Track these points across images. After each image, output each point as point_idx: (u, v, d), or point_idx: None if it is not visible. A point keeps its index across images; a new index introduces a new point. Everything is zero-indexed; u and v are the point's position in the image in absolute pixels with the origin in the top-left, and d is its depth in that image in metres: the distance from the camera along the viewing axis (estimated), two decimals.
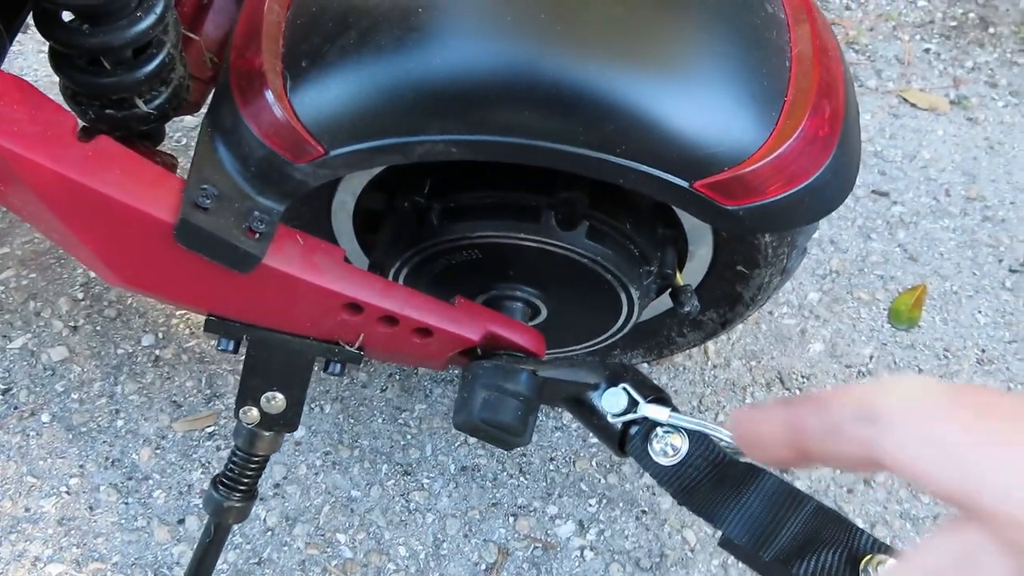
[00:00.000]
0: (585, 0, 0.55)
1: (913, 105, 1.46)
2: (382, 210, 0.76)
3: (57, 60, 0.60)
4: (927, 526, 0.97)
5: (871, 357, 1.11)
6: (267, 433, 0.71)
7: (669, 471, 0.65)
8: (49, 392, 0.97)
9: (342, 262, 0.64)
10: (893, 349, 1.12)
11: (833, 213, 1.18)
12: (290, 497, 0.92)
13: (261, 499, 0.92)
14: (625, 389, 0.67)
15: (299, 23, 0.59)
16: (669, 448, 0.65)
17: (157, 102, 0.64)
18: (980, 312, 1.17)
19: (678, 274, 0.78)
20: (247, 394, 0.69)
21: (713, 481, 0.64)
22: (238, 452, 0.72)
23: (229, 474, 0.73)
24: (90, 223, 0.60)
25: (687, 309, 0.76)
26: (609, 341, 0.83)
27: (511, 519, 0.93)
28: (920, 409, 0.24)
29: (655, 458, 0.65)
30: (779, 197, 0.58)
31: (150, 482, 0.92)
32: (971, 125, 1.44)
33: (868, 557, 0.57)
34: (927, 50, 1.56)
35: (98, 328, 1.02)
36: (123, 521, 0.90)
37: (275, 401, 0.70)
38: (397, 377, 1.01)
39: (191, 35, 0.75)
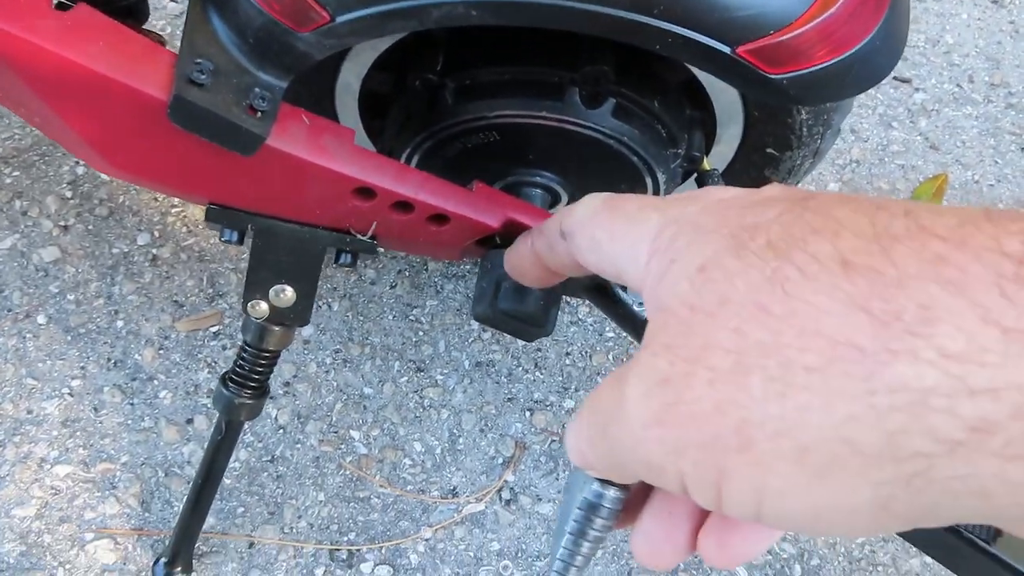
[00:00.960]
0: None
1: None
2: (390, 92, 0.71)
3: None
4: None
5: None
6: (277, 328, 0.68)
7: None
8: (43, 293, 0.93)
9: (352, 144, 0.60)
10: None
11: (854, 101, 1.13)
12: (301, 395, 0.91)
13: (271, 398, 0.90)
14: None
15: None
16: None
17: None
18: (1001, 202, 1.14)
19: (705, 158, 0.74)
20: (255, 287, 0.66)
21: None
22: (248, 348, 0.70)
23: (239, 370, 0.70)
24: (74, 102, 0.55)
25: None
26: None
27: (527, 414, 0.91)
28: (587, 221, 0.31)
29: None
30: (826, 64, 0.53)
31: (155, 383, 0.90)
32: (996, 8, 1.37)
33: None
34: None
35: (90, 227, 0.98)
36: (130, 422, 0.88)
37: (284, 294, 0.66)
38: (407, 273, 0.98)
39: None
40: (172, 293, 0.95)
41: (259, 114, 0.56)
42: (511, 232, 0.66)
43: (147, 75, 0.53)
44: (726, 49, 0.51)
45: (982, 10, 1.37)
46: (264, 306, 0.67)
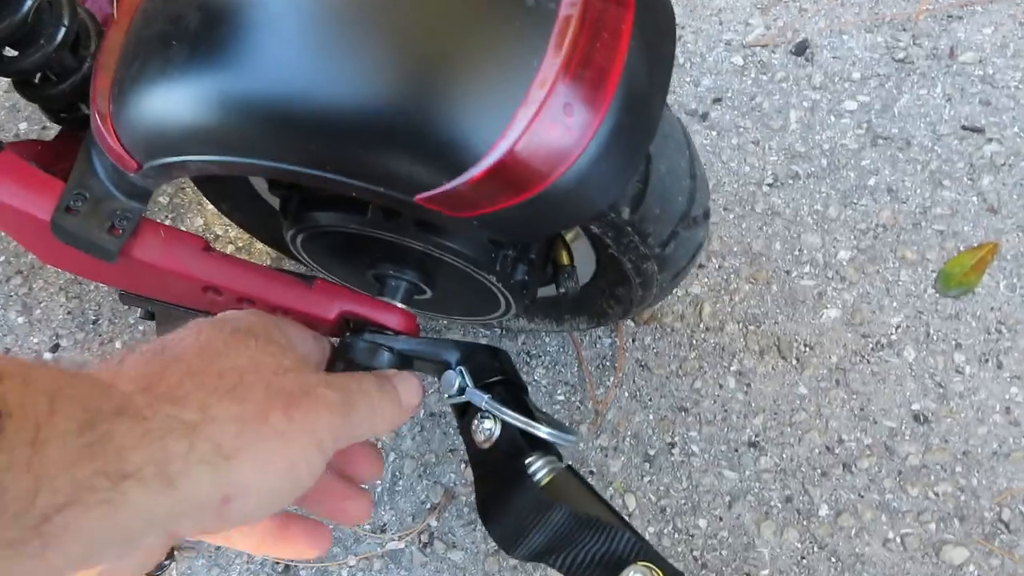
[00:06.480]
0: (296, 23, 0.56)
1: None
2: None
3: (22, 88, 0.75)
4: (908, 520, 0.88)
5: (898, 327, 0.98)
6: None
7: (477, 452, 0.68)
8: (124, 324, 1.19)
9: (200, 251, 0.73)
10: (930, 319, 0.98)
11: (901, 155, 1.04)
12: None
13: None
14: (461, 372, 0.70)
15: (124, 53, 0.66)
16: (483, 432, 0.68)
17: None
18: None
19: (564, 254, 0.77)
20: None
21: (501, 476, 0.66)
22: None
23: None
24: (6, 221, 0.75)
25: (562, 290, 0.75)
26: (510, 315, 0.84)
27: (463, 465, 0.99)
28: None
29: (473, 436, 0.69)
30: (512, 206, 0.56)
31: None
32: None
33: (630, 568, 0.57)
34: None
35: None
36: None
37: None
38: None
39: None
40: None
41: (120, 231, 0.71)
42: (349, 321, 0.76)
43: (39, 203, 0.71)
44: (409, 199, 0.57)
45: None
46: None
